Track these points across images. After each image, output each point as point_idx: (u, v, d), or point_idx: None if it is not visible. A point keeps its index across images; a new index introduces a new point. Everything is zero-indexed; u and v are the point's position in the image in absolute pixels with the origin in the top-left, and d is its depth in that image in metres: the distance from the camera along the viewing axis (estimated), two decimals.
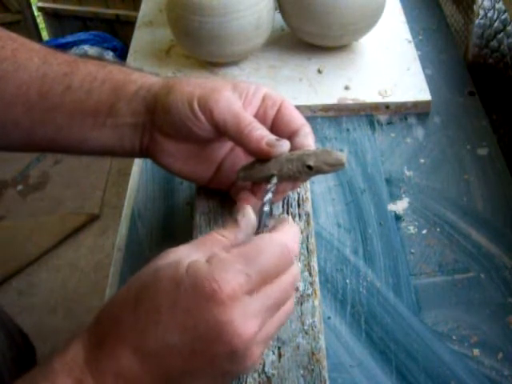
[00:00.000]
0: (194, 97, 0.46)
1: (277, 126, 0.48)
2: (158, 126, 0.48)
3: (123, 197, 0.66)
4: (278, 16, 0.80)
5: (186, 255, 0.36)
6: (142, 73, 0.51)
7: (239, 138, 0.45)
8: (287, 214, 0.52)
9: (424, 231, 0.60)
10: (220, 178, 0.52)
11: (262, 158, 0.46)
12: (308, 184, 0.55)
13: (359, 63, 0.79)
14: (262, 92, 0.48)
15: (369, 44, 0.82)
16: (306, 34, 0.79)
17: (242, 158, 0.51)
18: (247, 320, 0.34)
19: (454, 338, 0.52)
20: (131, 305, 0.35)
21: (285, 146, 0.45)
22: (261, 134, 0.45)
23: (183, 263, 0.35)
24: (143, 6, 0.94)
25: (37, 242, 1.69)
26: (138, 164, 0.70)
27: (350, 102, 0.73)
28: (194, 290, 0.34)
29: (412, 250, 0.59)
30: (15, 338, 0.61)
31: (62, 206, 1.82)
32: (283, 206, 0.52)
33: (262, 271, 0.35)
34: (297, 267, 0.38)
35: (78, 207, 1.81)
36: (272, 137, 0.45)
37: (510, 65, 0.76)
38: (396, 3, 0.89)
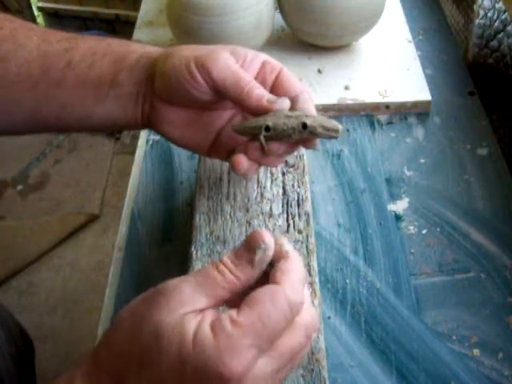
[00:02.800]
0: (191, 58, 0.46)
1: (275, 92, 0.47)
2: (157, 91, 0.48)
3: (123, 197, 0.66)
4: (278, 16, 0.79)
5: (188, 305, 0.33)
6: (141, 43, 0.52)
7: (239, 96, 0.45)
8: (287, 213, 0.52)
9: (424, 231, 0.60)
10: (219, 148, 0.51)
11: (261, 114, 0.45)
12: (308, 184, 0.55)
13: (359, 63, 0.79)
14: (260, 58, 0.48)
15: (369, 44, 0.82)
16: (306, 34, 0.79)
17: None
18: None
19: (454, 338, 0.52)
20: (135, 366, 0.33)
21: (285, 103, 0.45)
22: (261, 92, 0.45)
23: (188, 334, 0.32)
24: (143, 6, 0.94)
25: (37, 242, 1.69)
26: (138, 164, 0.70)
27: (350, 102, 0.73)
28: (201, 371, 0.32)
29: (412, 250, 0.59)
30: (14, 333, 0.60)
31: (62, 206, 1.82)
32: (283, 206, 0.53)
33: (271, 338, 0.33)
34: (313, 311, 0.36)
35: (78, 207, 1.81)
36: (272, 95, 0.45)
37: (510, 65, 0.76)
38: (396, 3, 0.89)
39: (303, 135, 0.45)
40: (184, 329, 0.33)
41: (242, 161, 0.46)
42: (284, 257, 0.36)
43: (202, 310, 0.34)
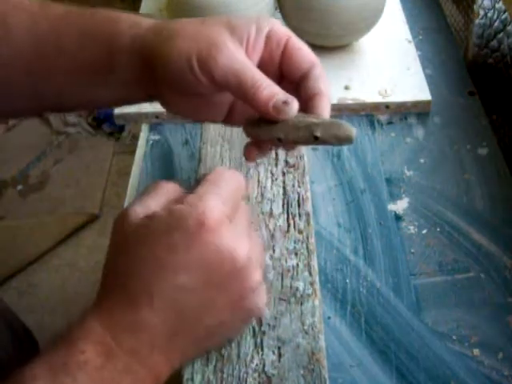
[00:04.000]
0: (192, 56, 0.43)
1: (284, 69, 0.46)
2: (161, 81, 0.46)
3: (123, 197, 0.66)
4: (278, 16, 0.80)
5: (149, 208, 0.39)
6: (128, 18, 0.48)
7: (245, 100, 0.44)
8: (287, 213, 0.52)
9: (424, 231, 0.60)
10: (234, 117, 0.50)
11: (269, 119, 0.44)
12: (308, 184, 0.55)
13: (359, 63, 0.79)
14: (264, 31, 0.45)
15: (369, 44, 0.82)
16: (306, 34, 0.79)
17: None
18: (237, 239, 0.38)
19: (454, 337, 0.52)
20: (135, 269, 0.38)
21: (292, 110, 0.43)
22: (267, 94, 0.43)
23: (165, 210, 0.38)
24: (143, 6, 0.94)
25: (37, 242, 1.69)
26: (138, 164, 0.70)
27: (350, 101, 0.73)
28: (186, 229, 0.36)
29: (412, 250, 0.59)
30: (19, 334, 0.61)
31: (62, 206, 1.82)
32: (283, 206, 0.53)
33: (229, 195, 0.39)
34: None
35: (78, 207, 1.81)
36: (280, 97, 0.43)
37: (510, 65, 0.76)
38: (396, 3, 0.89)
39: (316, 144, 0.45)
40: (150, 211, 0.39)
41: (253, 153, 0.48)
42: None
43: None
